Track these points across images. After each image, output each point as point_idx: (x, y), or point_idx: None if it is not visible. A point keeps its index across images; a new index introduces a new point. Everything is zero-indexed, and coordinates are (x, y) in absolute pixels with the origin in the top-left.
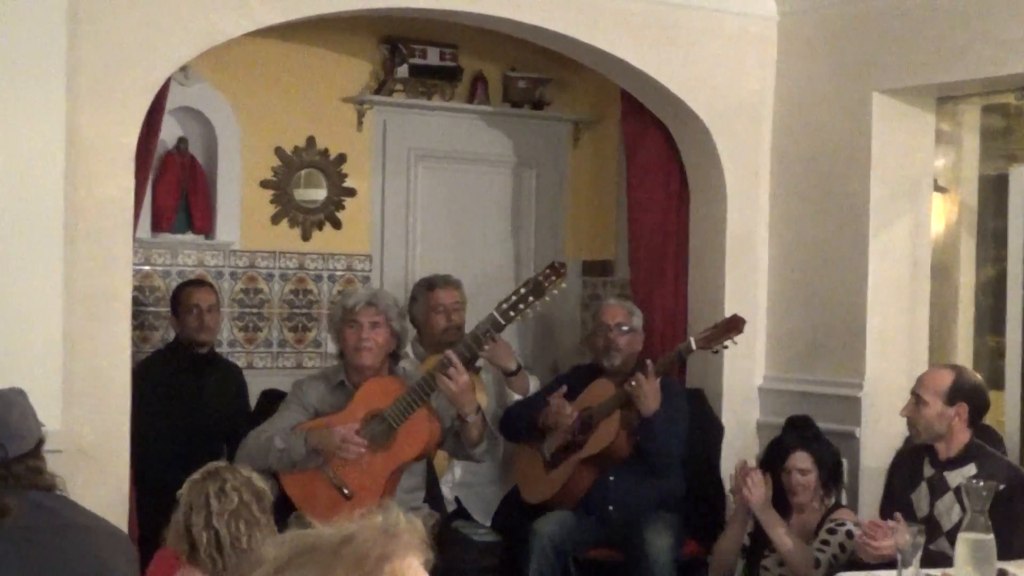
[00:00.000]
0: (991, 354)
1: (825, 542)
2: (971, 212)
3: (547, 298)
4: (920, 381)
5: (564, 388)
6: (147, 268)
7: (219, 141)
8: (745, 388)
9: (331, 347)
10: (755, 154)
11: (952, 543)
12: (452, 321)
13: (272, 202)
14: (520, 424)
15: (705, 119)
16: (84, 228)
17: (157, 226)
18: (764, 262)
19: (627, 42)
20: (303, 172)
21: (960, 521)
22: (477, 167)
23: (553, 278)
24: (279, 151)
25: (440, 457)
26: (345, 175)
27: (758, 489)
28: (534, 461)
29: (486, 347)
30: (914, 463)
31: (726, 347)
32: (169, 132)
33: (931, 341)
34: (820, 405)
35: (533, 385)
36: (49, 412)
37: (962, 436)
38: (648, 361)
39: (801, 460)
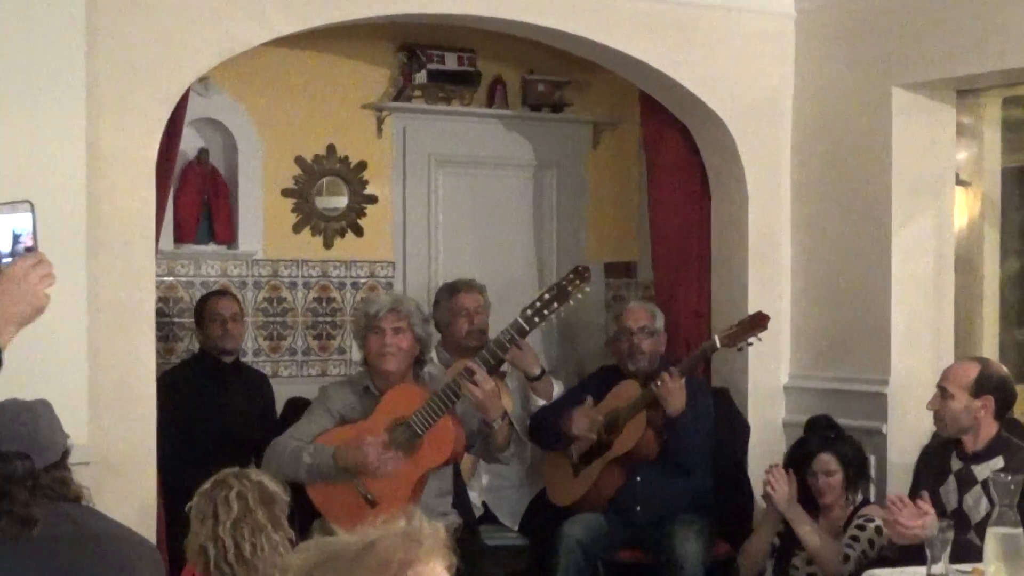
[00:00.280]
0: (1017, 347)
1: (854, 538)
2: (994, 205)
3: (571, 302)
4: (945, 374)
5: (589, 400)
6: (170, 279)
7: (239, 151)
8: (770, 387)
9: (356, 354)
10: (775, 152)
11: (981, 536)
12: (474, 325)
13: (294, 211)
14: (548, 434)
15: (724, 118)
16: (107, 241)
17: (179, 237)
18: (787, 260)
19: (645, 43)
20: (324, 180)
21: (988, 514)
22: (498, 171)
23: (578, 282)
24: (300, 160)
25: (467, 462)
26: (366, 182)
27: (782, 487)
28: (561, 463)
29: (510, 352)
30: (942, 457)
31: (750, 344)
32: (189, 143)
33: (956, 335)
34: (846, 402)
35: (557, 389)
36: (75, 424)
37: (989, 429)
38: (671, 368)
39: (826, 462)
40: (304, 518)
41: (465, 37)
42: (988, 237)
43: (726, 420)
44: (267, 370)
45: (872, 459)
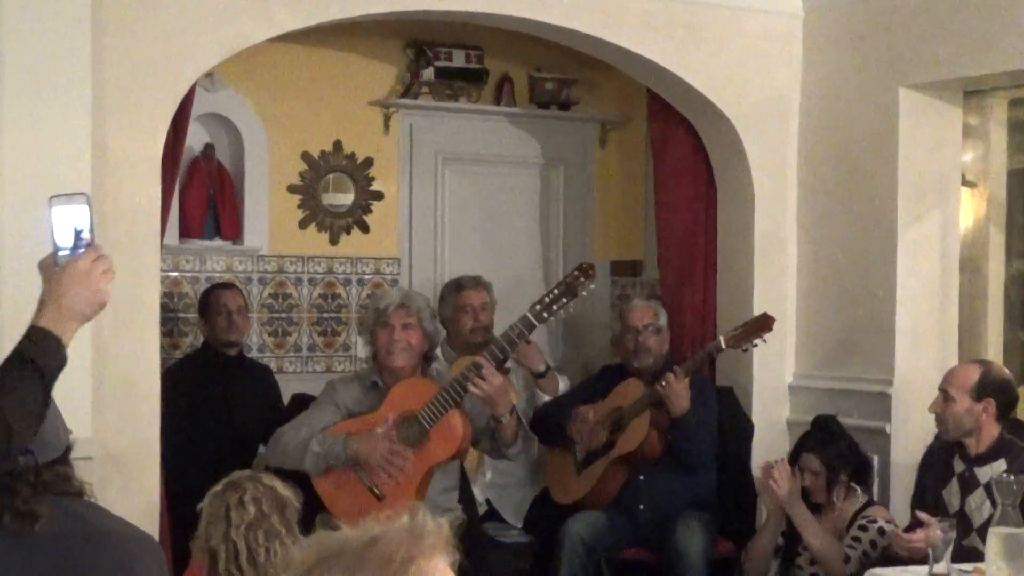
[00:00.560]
0: (1021, 348)
1: (856, 539)
2: (1000, 206)
3: (579, 299)
4: (947, 377)
5: (591, 416)
6: (176, 274)
7: (246, 147)
8: (775, 386)
9: (361, 350)
10: (782, 151)
11: (983, 539)
12: (479, 322)
13: (300, 207)
14: (551, 429)
15: (732, 117)
16: (112, 236)
17: (185, 232)
18: (793, 260)
19: (652, 41)
20: (330, 176)
21: (991, 517)
22: (504, 169)
23: (582, 279)
24: (306, 156)
25: (471, 458)
26: (372, 179)
27: (785, 483)
28: (565, 462)
29: (518, 348)
30: (945, 459)
31: (755, 345)
32: (196, 139)
33: (961, 336)
34: (850, 402)
35: (563, 385)
36: (79, 419)
37: (991, 431)
38: (675, 368)
39: (809, 462)
40: (308, 512)
41: (473, 34)
42: (993, 238)
43: (730, 419)
44: (272, 366)
45: (875, 459)
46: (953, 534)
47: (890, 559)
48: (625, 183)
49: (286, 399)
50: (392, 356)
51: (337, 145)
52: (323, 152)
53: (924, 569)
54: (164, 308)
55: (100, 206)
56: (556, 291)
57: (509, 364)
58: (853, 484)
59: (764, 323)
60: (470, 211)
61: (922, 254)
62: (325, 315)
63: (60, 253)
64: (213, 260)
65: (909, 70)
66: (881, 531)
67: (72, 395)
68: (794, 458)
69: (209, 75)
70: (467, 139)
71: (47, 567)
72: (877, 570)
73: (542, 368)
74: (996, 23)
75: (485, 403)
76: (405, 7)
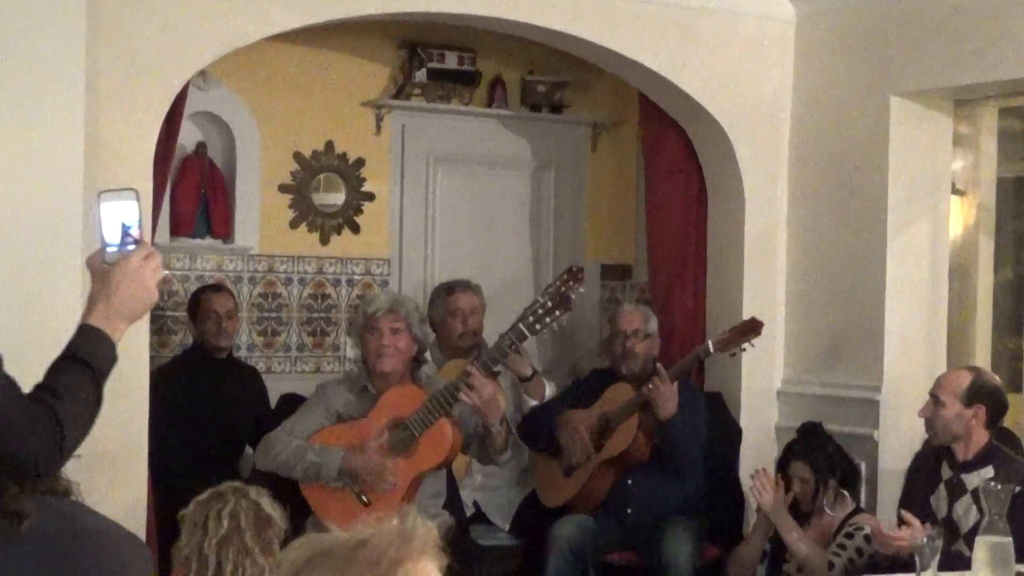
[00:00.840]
0: (1010, 356)
1: (842, 546)
2: (989, 214)
3: (573, 310)
4: (938, 382)
5: (584, 431)
6: (166, 272)
7: (238, 145)
8: (763, 391)
9: (350, 351)
10: (773, 157)
11: (971, 545)
12: (468, 325)
13: (291, 206)
14: (539, 435)
15: (723, 122)
16: None
17: (176, 230)
18: (782, 265)
19: (645, 45)
20: (322, 176)
21: (978, 523)
22: (496, 171)
23: (572, 283)
24: (298, 155)
25: (459, 462)
26: (364, 179)
27: (768, 492)
28: (553, 465)
29: (509, 357)
30: (932, 465)
31: (744, 350)
32: (188, 137)
33: (949, 343)
34: (838, 408)
35: (549, 390)
36: None
37: (980, 438)
38: (659, 365)
39: (798, 470)
40: (297, 516)
41: (466, 36)
42: (983, 246)
43: (719, 424)
44: (260, 366)
45: (863, 465)
46: (940, 542)
47: (876, 567)
48: (616, 186)
49: (274, 399)
50: (381, 361)
51: (329, 145)
52: (315, 152)
53: None
54: (154, 306)
55: (93, 202)
56: (548, 301)
57: (497, 368)
58: (842, 490)
59: (752, 327)
60: (461, 213)
61: (911, 261)
62: (315, 315)
63: (108, 249)
64: (203, 259)
65: (900, 78)
66: (867, 538)
67: None
68: (783, 466)
69: (202, 73)
70: (459, 141)
71: (33, 566)
72: None
73: (528, 372)
74: (987, 32)
75: (476, 413)
76: (399, 8)
